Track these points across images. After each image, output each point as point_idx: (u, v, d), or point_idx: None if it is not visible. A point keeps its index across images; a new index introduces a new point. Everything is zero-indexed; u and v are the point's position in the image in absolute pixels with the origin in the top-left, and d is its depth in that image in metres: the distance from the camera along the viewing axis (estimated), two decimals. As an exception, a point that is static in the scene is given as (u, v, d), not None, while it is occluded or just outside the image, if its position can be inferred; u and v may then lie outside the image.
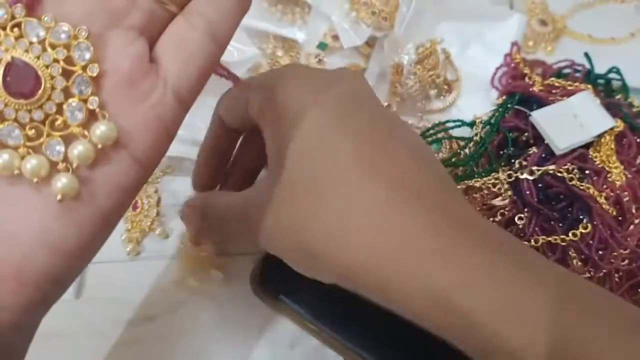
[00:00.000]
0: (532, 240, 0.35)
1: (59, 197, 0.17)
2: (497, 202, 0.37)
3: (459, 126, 0.40)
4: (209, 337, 0.33)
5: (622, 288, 0.34)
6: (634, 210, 0.35)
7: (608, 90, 0.42)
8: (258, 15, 0.43)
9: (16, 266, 0.17)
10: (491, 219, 0.36)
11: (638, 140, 0.38)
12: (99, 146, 0.18)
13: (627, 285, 0.34)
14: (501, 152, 0.38)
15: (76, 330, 0.32)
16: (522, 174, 0.36)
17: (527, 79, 0.41)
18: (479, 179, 0.37)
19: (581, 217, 0.35)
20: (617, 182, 0.35)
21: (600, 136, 0.37)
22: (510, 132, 0.38)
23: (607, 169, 0.36)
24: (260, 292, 0.33)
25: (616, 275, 0.35)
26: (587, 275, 0.34)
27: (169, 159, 0.37)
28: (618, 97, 0.41)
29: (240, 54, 0.39)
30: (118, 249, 0.35)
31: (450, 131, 0.40)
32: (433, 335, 0.32)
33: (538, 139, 0.37)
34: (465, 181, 0.37)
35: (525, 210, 0.36)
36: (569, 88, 0.40)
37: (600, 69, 0.42)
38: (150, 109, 0.18)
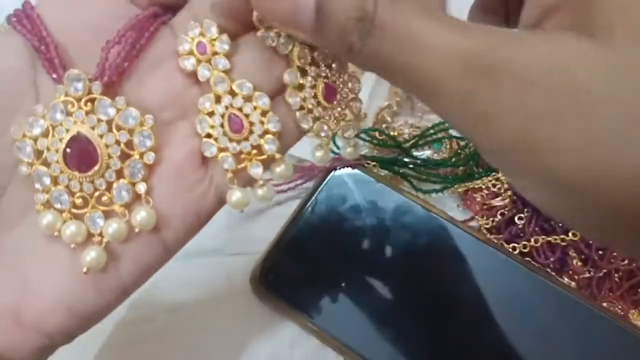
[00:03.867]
0: (532, 240, 0.35)
1: (84, 269, 0.18)
2: (497, 202, 0.37)
3: (459, 126, 0.40)
4: (209, 337, 0.33)
5: (622, 288, 0.34)
6: (633, 210, 0.35)
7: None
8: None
9: (36, 318, 0.19)
10: (491, 219, 0.36)
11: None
12: (137, 230, 0.19)
13: (627, 285, 0.34)
14: (501, 152, 0.38)
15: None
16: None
17: (527, 79, 0.41)
18: (479, 179, 0.37)
19: (581, 217, 0.35)
20: (617, 182, 0.35)
21: (600, 136, 0.37)
22: (510, 132, 0.38)
23: (607, 168, 0.36)
24: (260, 292, 0.33)
25: (616, 275, 0.35)
26: (587, 275, 0.34)
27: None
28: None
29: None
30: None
31: (450, 131, 0.40)
32: (434, 337, 0.32)
33: (538, 139, 0.37)
34: (466, 181, 0.37)
35: (525, 210, 0.36)
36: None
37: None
38: (193, 200, 0.20)
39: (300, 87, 0.20)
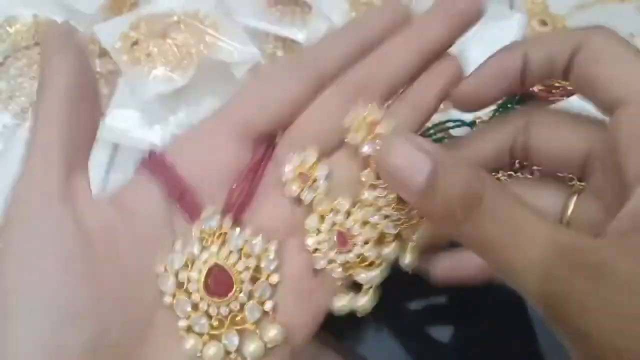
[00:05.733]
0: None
1: None
2: (498, 202, 0.37)
3: (459, 126, 0.40)
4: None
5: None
6: (634, 211, 0.35)
7: (608, 90, 0.41)
8: (258, 15, 0.43)
9: None
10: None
11: (638, 140, 0.38)
12: (269, 345, 0.21)
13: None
14: (501, 152, 0.38)
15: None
16: (522, 174, 0.36)
17: (527, 79, 0.41)
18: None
19: (581, 217, 0.35)
20: (618, 182, 0.35)
21: (600, 136, 0.37)
22: (510, 132, 0.38)
23: (607, 169, 0.36)
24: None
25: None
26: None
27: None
28: (618, 97, 0.41)
29: (240, 54, 0.39)
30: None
31: (451, 131, 0.40)
32: (434, 337, 0.32)
33: (538, 139, 0.37)
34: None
35: (526, 210, 0.36)
36: (569, 88, 0.40)
37: (600, 69, 0.42)
38: (311, 309, 0.22)
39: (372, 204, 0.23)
